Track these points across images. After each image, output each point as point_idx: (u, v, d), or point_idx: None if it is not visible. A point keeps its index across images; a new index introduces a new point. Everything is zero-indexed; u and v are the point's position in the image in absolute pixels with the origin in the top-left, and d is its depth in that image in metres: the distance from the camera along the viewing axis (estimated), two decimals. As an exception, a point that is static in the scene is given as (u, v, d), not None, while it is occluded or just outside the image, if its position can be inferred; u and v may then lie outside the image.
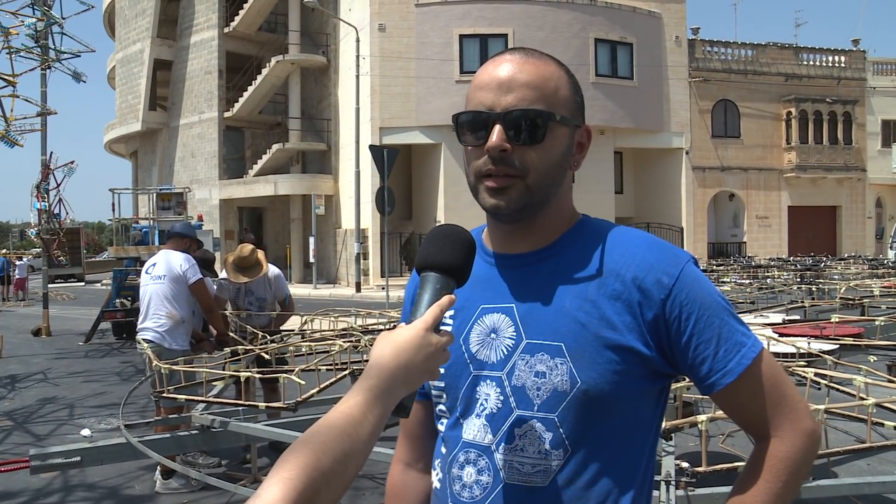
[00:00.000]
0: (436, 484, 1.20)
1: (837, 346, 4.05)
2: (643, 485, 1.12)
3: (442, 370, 1.14)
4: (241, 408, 3.78)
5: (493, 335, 1.13)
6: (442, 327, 1.05)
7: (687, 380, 2.76)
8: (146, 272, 5.38)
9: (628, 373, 1.06)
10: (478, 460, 1.11)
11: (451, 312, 1.18)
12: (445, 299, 1.02)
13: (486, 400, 1.11)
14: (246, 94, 26.54)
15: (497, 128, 1.07)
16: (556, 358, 1.07)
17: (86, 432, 6.36)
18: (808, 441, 1.08)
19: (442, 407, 1.19)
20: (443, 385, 1.17)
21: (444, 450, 1.18)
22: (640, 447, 1.11)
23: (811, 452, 1.09)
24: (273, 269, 6.12)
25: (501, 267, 1.16)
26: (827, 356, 3.49)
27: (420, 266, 1.07)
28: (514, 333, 1.11)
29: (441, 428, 1.20)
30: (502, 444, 1.09)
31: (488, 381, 1.12)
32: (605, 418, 1.07)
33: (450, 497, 1.14)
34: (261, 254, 6.02)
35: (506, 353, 1.11)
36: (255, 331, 5.43)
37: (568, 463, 1.07)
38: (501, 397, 1.10)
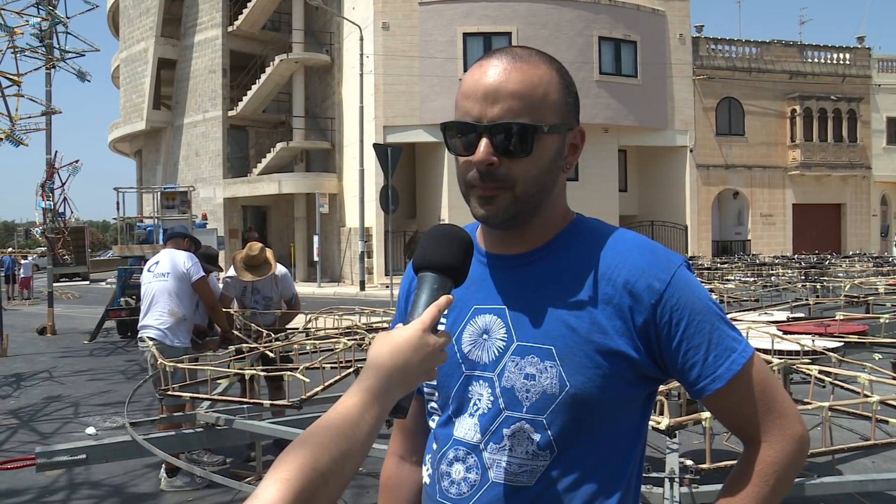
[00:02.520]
0: (426, 479, 1.21)
1: (842, 343, 4.04)
2: (629, 488, 1.12)
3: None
4: (245, 405, 3.78)
5: (484, 336, 1.13)
6: (439, 328, 1.05)
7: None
8: (148, 270, 5.39)
9: (617, 377, 1.06)
10: (466, 458, 1.12)
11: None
12: (443, 300, 1.01)
13: (478, 399, 1.12)
14: (250, 93, 26.60)
15: (483, 142, 1.05)
16: (546, 361, 1.07)
17: (91, 430, 6.41)
18: (796, 446, 1.08)
19: (434, 404, 1.20)
20: (434, 384, 1.17)
21: (434, 446, 1.19)
22: (627, 451, 1.11)
23: (800, 457, 1.09)
24: (280, 268, 6.12)
25: (494, 267, 1.16)
26: (831, 354, 3.48)
27: (417, 266, 1.06)
28: (506, 335, 1.11)
29: (432, 424, 1.21)
30: (491, 443, 1.10)
31: (480, 382, 1.12)
32: (594, 422, 1.07)
33: (438, 493, 1.15)
34: (269, 252, 6.02)
35: (497, 354, 1.11)
36: (259, 329, 5.44)
37: (555, 464, 1.07)
38: (492, 398, 1.10)
